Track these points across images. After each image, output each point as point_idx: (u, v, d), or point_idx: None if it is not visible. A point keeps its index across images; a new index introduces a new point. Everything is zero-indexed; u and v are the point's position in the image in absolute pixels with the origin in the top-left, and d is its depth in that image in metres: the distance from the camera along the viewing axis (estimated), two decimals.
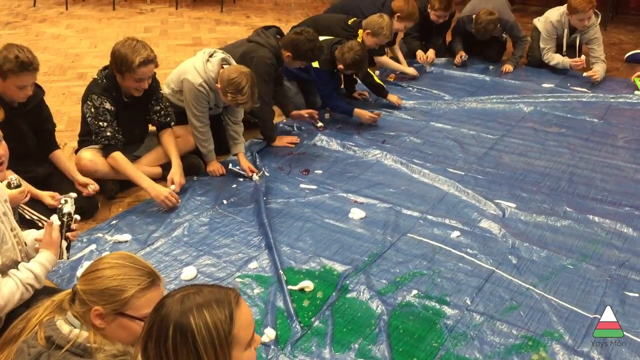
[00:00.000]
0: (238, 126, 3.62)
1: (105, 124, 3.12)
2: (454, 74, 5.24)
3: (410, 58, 5.45)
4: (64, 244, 2.11)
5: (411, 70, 5.11)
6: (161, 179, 3.35)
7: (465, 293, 2.55)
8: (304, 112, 4.12)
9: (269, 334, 2.28)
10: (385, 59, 5.08)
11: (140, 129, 3.46)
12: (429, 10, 5.19)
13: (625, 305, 2.47)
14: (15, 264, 2.00)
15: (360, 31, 4.49)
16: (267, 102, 3.78)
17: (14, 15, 7.12)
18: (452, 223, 3.05)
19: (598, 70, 4.88)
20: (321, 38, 4.23)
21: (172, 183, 3.23)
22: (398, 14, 4.78)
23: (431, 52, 5.37)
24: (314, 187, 3.42)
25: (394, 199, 3.28)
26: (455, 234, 2.97)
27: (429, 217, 3.11)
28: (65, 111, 4.35)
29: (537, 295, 2.54)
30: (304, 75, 4.26)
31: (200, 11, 7.37)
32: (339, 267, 2.70)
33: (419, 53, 5.28)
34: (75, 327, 1.49)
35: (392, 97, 4.53)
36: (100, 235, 2.91)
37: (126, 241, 2.90)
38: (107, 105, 3.13)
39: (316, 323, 2.37)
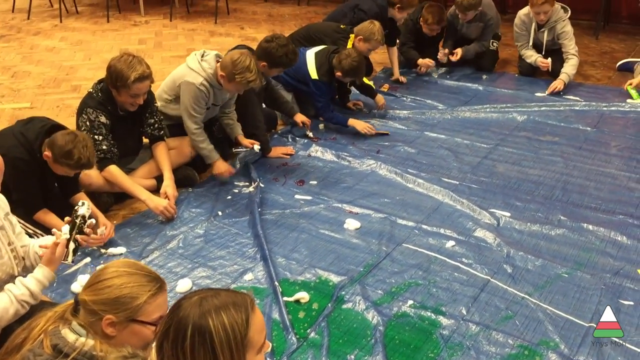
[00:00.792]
0: (232, 114, 3.70)
1: (100, 137, 3.12)
2: (448, 83, 5.27)
3: (407, 68, 5.48)
4: (72, 245, 2.11)
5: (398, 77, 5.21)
6: (156, 190, 3.34)
7: (461, 303, 2.55)
8: (299, 119, 4.12)
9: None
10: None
11: (135, 142, 3.47)
12: (421, 23, 5.22)
13: (620, 313, 2.47)
14: (11, 278, 1.99)
15: (352, 36, 4.56)
16: (258, 113, 3.79)
17: (8, 28, 7.13)
18: (447, 232, 3.06)
19: (562, 78, 4.91)
20: (317, 48, 4.27)
21: (166, 196, 3.23)
22: (398, 5, 4.90)
23: (428, 61, 5.41)
24: (309, 197, 3.42)
25: (389, 209, 3.28)
26: (450, 243, 2.97)
27: (424, 226, 3.12)
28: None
29: (532, 305, 2.54)
30: (302, 87, 4.28)
31: (195, 23, 7.39)
32: (334, 278, 2.70)
33: (420, 62, 5.32)
34: (81, 336, 1.49)
35: (380, 99, 4.56)
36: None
37: (121, 254, 2.90)
38: (103, 119, 3.13)
39: (312, 334, 2.37)
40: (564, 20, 4.96)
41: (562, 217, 3.19)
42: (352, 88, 4.70)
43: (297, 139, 4.19)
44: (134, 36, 6.81)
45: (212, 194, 3.47)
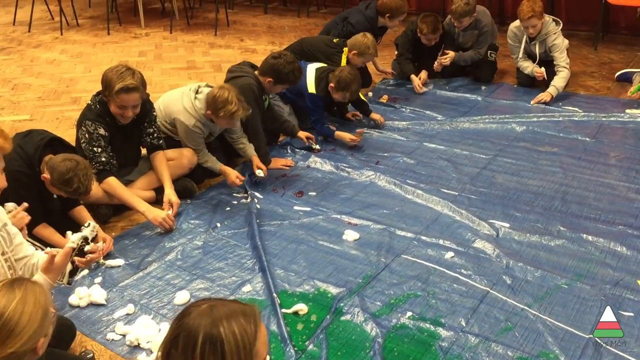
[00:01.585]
0: (243, 138, 3.73)
1: (99, 149, 3.13)
2: (447, 94, 5.28)
3: (403, 80, 5.50)
4: (69, 267, 2.07)
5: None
6: (155, 202, 3.35)
7: (460, 314, 2.54)
8: (303, 136, 4.13)
9: None
10: None
11: (134, 152, 3.47)
12: (418, 34, 5.25)
13: (620, 324, 2.45)
14: None
15: (345, 49, 4.60)
16: (258, 126, 3.80)
17: (9, 40, 7.16)
18: (446, 244, 3.05)
19: (549, 91, 4.94)
20: (319, 65, 4.30)
21: (170, 204, 3.23)
22: (388, 15, 4.98)
23: (423, 74, 5.41)
24: (308, 209, 3.41)
25: (388, 220, 3.28)
26: (449, 254, 2.96)
27: (423, 237, 3.11)
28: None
29: (532, 316, 2.53)
30: (298, 100, 4.31)
31: (195, 35, 7.43)
32: (333, 290, 2.69)
33: (415, 81, 5.31)
34: None
35: (375, 116, 4.57)
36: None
37: (119, 266, 2.89)
38: (101, 131, 3.13)
39: (310, 347, 2.35)
40: (554, 34, 4.97)
41: (561, 228, 3.19)
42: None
43: (296, 150, 4.19)
44: (134, 48, 6.84)
45: (211, 206, 3.47)
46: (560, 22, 5.05)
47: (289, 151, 4.19)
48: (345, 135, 4.22)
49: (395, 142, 4.34)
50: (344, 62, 4.63)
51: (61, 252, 2.03)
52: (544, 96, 4.94)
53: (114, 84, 3.00)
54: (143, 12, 7.82)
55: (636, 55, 6.20)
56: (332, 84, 4.14)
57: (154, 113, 3.44)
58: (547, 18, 4.98)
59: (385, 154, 4.13)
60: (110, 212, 3.29)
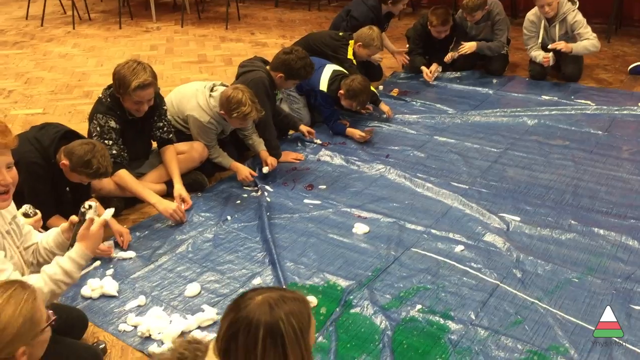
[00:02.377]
0: (254, 134, 3.76)
1: (110, 142, 3.15)
2: (458, 88, 5.25)
3: (415, 73, 5.48)
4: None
5: (377, 57, 5.13)
6: (166, 195, 3.37)
7: (470, 307, 2.54)
8: (305, 130, 4.12)
9: None
10: None
11: (145, 145, 3.49)
12: (429, 27, 5.22)
13: (631, 318, 2.45)
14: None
15: (351, 42, 4.63)
16: (269, 120, 3.81)
17: (22, 35, 7.21)
18: (456, 237, 3.05)
19: (570, 45, 4.90)
20: (338, 67, 4.34)
21: (182, 199, 3.26)
22: (390, 1, 5.04)
23: (434, 67, 5.39)
24: (318, 202, 3.42)
25: (398, 214, 3.28)
26: (459, 248, 2.96)
27: (433, 231, 3.11)
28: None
29: (542, 309, 2.52)
30: (312, 100, 4.34)
31: (206, 29, 7.44)
32: (342, 282, 2.70)
33: (424, 70, 5.30)
34: None
35: (384, 107, 4.56)
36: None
37: (130, 258, 2.91)
38: (112, 124, 3.16)
39: (320, 339, 2.36)
40: (573, 11, 4.93)
41: (572, 222, 3.17)
42: None
43: (306, 143, 4.19)
44: (145, 42, 6.87)
45: (222, 199, 3.48)
46: (577, 1, 5.00)
47: (299, 145, 4.20)
48: (355, 132, 4.22)
49: (405, 136, 4.33)
50: (350, 54, 4.63)
51: (97, 221, 2.04)
52: (562, 45, 4.89)
53: (130, 82, 3.03)
54: (154, 6, 7.85)
55: None
56: (341, 91, 4.16)
57: (165, 107, 3.45)
58: None
59: (396, 148, 4.12)
60: (122, 204, 3.31)
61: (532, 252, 2.91)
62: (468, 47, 5.27)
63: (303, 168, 3.86)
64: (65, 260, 1.96)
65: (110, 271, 2.81)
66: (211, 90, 3.54)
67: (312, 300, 2.56)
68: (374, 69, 5.22)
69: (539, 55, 5.10)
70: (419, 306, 2.55)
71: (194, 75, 5.60)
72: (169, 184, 3.43)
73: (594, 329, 2.40)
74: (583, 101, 4.83)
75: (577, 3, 5.00)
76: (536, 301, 2.57)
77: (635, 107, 4.64)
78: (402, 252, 2.94)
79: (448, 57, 5.38)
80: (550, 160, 3.90)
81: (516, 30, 5.92)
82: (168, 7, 8.54)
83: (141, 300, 2.59)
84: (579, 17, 4.93)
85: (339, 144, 4.20)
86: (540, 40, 5.13)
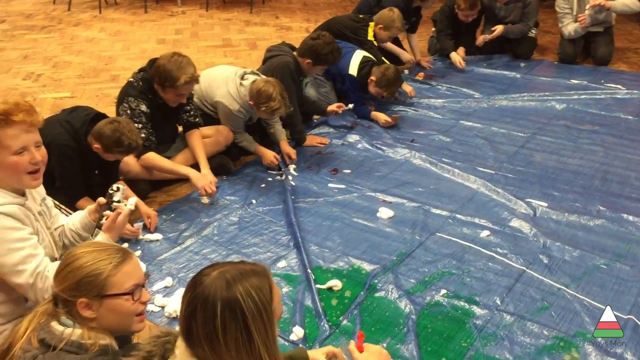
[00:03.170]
0: (277, 123, 3.75)
1: (140, 125, 3.17)
2: (484, 71, 5.18)
3: (442, 57, 5.41)
4: (97, 231, 2.14)
5: (406, 56, 5.07)
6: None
7: (495, 293, 2.53)
8: (335, 106, 4.10)
9: (298, 332, 2.30)
10: (387, 43, 5.02)
11: (172, 129, 3.52)
12: (456, 10, 5.15)
13: None
14: (53, 260, 2.05)
15: (371, 24, 4.59)
16: (295, 104, 3.80)
17: (50, 19, 7.29)
18: (481, 222, 3.03)
19: (610, 2, 4.79)
20: (366, 53, 4.29)
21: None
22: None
23: (461, 51, 5.32)
24: (343, 186, 3.42)
25: (423, 198, 3.26)
26: (485, 233, 2.94)
27: (458, 216, 3.09)
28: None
29: (569, 296, 2.50)
30: (338, 84, 4.31)
31: (230, 12, 7.43)
32: (367, 266, 2.70)
33: (455, 58, 5.20)
34: (68, 327, 1.49)
35: (407, 87, 4.52)
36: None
37: (157, 240, 2.95)
38: (143, 108, 3.18)
39: (344, 322, 2.38)
40: None
41: (601, 208, 3.12)
42: None
43: (331, 128, 4.18)
44: (170, 26, 6.89)
45: (247, 182, 3.50)
46: None
47: (325, 129, 4.19)
48: (381, 116, 4.20)
49: (431, 120, 4.30)
50: (370, 36, 4.59)
51: (124, 212, 2.08)
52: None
53: (178, 76, 3.06)
54: None
55: None
56: (373, 77, 4.12)
57: (192, 92, 3.47)
58: None
59: (421, 132, 4.09)
60: (149, 187, 3.35)
61: (560, 238, 2.88)
62: (499, 30, 5.18)
63: (328, 152, 3.86)
64: None
65: (138, 253, 2.85)
66: (242, 78, 3.53)
67: (337, 284, 2.57)
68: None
69: (576, 26, 4.98)
70: (443, 291, 2.54)
71: (219, 59, 5.61)
72: (194, 167, 3.45)
73: (622, 315, 2.37)
74: (613, 85, 4.73)
75: None
76: (563, 287, 2.55)
77: None
78: (427, 236, 2.93)
79: (480, 40, 5.31)
80: (578, 145, 3.84)
81: (544, 13, 5.81)
82: None
83: (168, 281, 2.63)
84: None
85: (365, 127, 4.18)
86: (575, 13, 5.00)
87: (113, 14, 7.48)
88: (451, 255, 2.78)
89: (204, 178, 3.20)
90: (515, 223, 3.01)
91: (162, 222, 3.09)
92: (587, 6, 4.91)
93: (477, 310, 2.43)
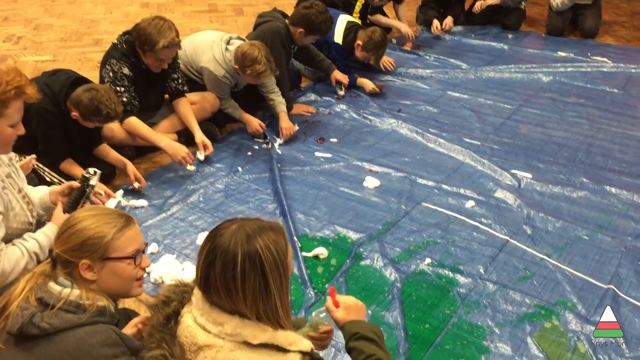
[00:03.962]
0: (274, 94, 3.67)
1: (122, 89, 3.12)
2: (472, 42, 5.17)
3: (427, 27, 5.38)
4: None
5: (405, 28, 4.97)
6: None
7: (479, 262, 2.56)
8: (338, 76, 4.07)
9: None
10: (378, 16, 4.98)
11: (157, 96, 3.47)
12: None
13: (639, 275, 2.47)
14: (29, 226, 2.02)
15: None
16: (284, 72, 3.76)
17: None
18: (467, 193, 3.05)
19: None
20: (351, 18, 4.23)
21: (204, 146, 3.26)
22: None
23: (449, 20, 5.29)
24: (329, 155, 3.42)
25: (409, 168, 3.27)
26: (470, 203, 2.96)
27: (444, 186, 3.11)
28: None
29: (551, 266, 2.54)
30: (324, 52, 4.26)
31: None
32: (353, 235, 2.72)
33: (435, 23, 5.19)
34: (66, 287, 1.49)
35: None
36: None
37: (142, 207, 2.93)
38: (126, 71, 3.13)
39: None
40: None
41: (584, 180, 3.16)
42: None
43: (318, 96, 4.16)
44: None
45: (233, 150, 3.48)
46: None
47: (312, 97, 4.16)
48: (368, 84, 4.17)
49: (418, 90, 4.28)
50: (359, 4, 4.54)
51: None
52: None
53: (157, 40, 3.00)
54: None
55: None
56: (359, 42, 4.08)
57: (178, 60, 3.42)
58: None
59: (408, 102, 4.08)
60: (134, 153, 3.31)
61: (543, 209, 2.91)
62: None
63: (314, 121, 3.84)
64: (41, 235, 1.97)
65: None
66: (227, 43, 3.48)
67: (323, 252, 2.59)
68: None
69: None
70: (428, 260, 2.57)
71: (204, 24, 5.52)
72: (180, 134, 3.42)
73: (602, 285, 2.42)
74: (600, 58, 4.75)
75: None
76: (545, 257, 2.59)
77: None
78: (412, 206, 2.94)
79: (477, 7, 5.28)
80: (564, 118, 3.87)
81: None
82: None
83: (154, 247, 2.63)
84: None
85: (352, 96, 4.16)
86: None
87: None
88: (436, 225, 2.81)
89: (181, 149, 3.15)
90: (500, 194, 3.04)
91: (147, 188, 3.07)
92: None
93: (460, 278, 2.46)
